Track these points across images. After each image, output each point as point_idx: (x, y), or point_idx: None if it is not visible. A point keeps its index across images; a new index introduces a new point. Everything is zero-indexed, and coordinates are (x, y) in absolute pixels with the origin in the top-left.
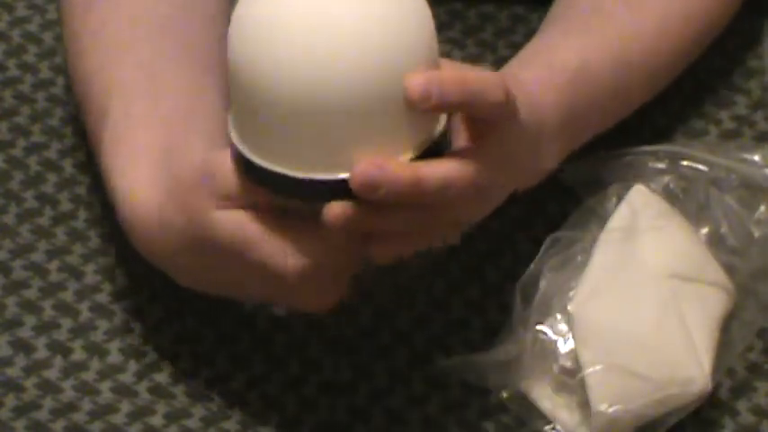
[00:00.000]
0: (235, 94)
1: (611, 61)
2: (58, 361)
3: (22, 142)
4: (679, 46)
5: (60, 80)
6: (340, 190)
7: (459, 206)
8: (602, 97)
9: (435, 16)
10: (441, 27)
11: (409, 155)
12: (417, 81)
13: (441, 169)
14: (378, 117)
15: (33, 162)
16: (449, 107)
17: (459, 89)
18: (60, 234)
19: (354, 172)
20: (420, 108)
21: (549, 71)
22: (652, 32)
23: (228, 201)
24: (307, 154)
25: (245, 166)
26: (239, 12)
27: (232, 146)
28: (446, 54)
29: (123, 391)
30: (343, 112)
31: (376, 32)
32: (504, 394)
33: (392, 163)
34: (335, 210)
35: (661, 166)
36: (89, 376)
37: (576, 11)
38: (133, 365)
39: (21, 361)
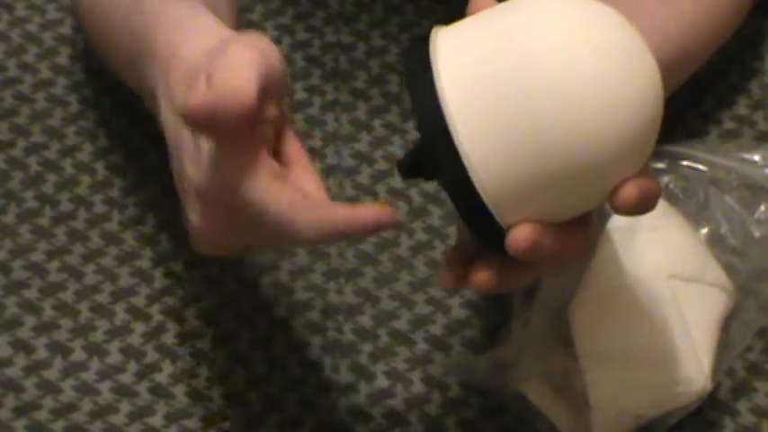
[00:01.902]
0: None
1: (657, 59)
2: (58, 361)
3: (22, 142)
4: (706, 44)
5: (60, 80)
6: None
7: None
8: None
9: (435, 16)
10: None
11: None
12: (629, 194)
13: (577, 241)
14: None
15: (33, 162)
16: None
17: (650, 202)
18: (60, 234)
19: (518, 232)
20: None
21: None
22: (686, 31)
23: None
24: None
25: (454, 170)
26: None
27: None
28: None
29: (123, 391)
30: (595, 169)
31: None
32: (504, 394)
33: (552, 228)
34: (482, 276)
35: (661, 166)
36: (89, 376)
37: (618, 6)
38: (133, 365)
39: (21, 361)
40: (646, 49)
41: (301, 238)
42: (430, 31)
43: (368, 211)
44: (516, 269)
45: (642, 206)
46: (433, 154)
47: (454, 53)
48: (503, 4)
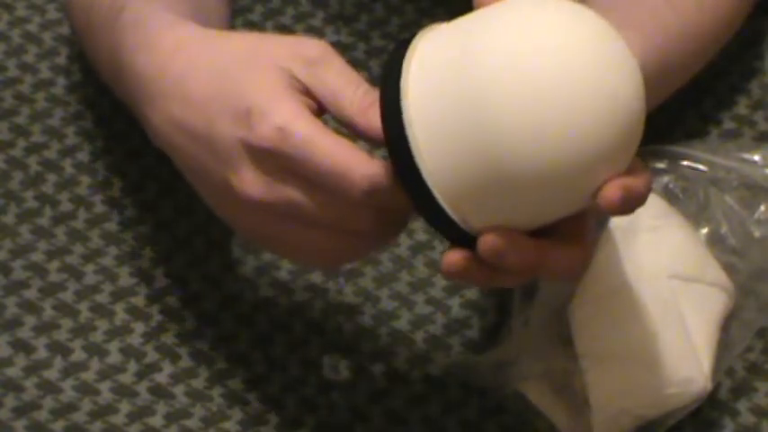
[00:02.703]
0: (458, 121)
1: (659, 55)
2: (58, 361)
3: (22, 142)
4: (709, 44)
5: (60, 80)
6: (463, 238)
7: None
8: (649, 91)
9: (435, 16)
10: None
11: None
12: (612, 196)
13: (565, 255)
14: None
15: (33, 162)
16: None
17: (638, 200)
18: (60, 234)
19: (484, 239)
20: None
21: None
22: (690, 24)
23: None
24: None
25: (411, 177)
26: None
27: (408, 149)
28: None
29: (123, 391)
30: (559, 177)
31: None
32: (504, 394)
33: (521, 239)
34: (452, 257)
35: (661, 166)
36: (89, 376)
37: (620, 5)
38: (133, 365)
39: (21, 361)
40: (618, 49)
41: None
42: (415, 35)
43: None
44: (494, 269)
45: (627, 206)
46: (395, 163)
47: (424, 59)
48: (485, 8)
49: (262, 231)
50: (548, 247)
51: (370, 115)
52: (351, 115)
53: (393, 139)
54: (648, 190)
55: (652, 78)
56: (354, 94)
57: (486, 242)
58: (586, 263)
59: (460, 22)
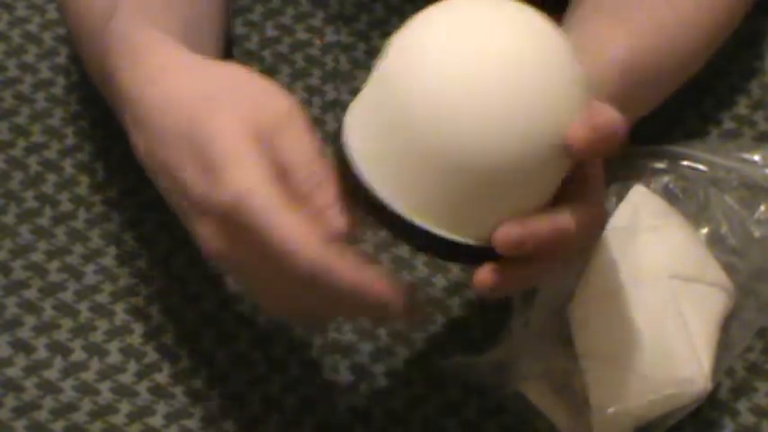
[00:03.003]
0: (388, 134)
1: (654, 54)
2: (58, 361)
3: (22, 142)
4: (708, 37)
5: (60, 80)
6: (480, 254)
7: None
8: (645, 90)
9: None
10: None
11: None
12: (580, 135)
13: (578, 217)
14: (530, 174)
15: (33, 162)
16: (600, 156)
17: (612, 138)
18: (60, 234)
19: (500, 234)
20: (579, 159)
21: (601, 65)
22: (687, 24)
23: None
24: (456, 213)
25: (367, 202)
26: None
27: (354, 176)
28: None
29: (123, 391)
30: (505, 171)
31: (539, 87)
32: (504, 394)
33: (530, 219)
34: (480, 277)
35: (661, 166)
36: (89, 376)
37: (615, 3)
38: (133, 365)
39: (21, 361)
40: (546, 53)
41: (294, 264)
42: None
43: (375, 282)
44: (525, 267)
45: (600, 145)
46: (390, 229)
47: (362, 101)
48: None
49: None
50: (558, 216)
51: (317, 196)
52: (303, 192)
53: (374, 208)
54: (617, 123)
55: (648, 77)
56: (303, 171)
57: (500, 238)
58: (601, 220)
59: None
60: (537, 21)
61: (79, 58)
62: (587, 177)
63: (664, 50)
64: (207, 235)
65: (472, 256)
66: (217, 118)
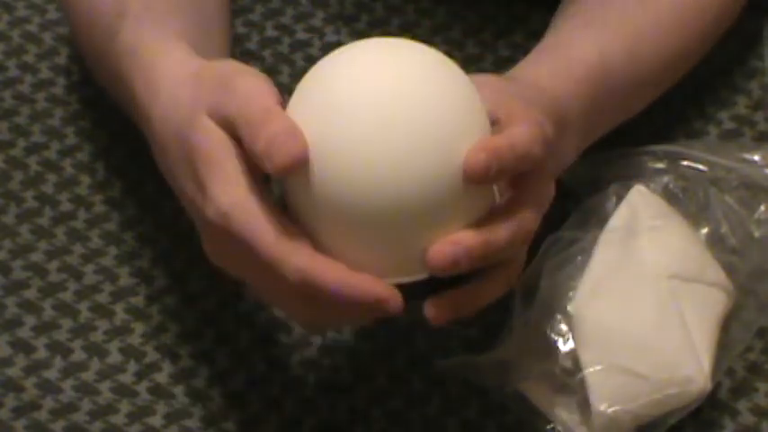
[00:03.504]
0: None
1: (627, 55)
2: (58, 361)
3: (22, 142)
4: (692, 38)
5: (60, 80)
6: (416, 287)
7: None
8: (619, 91)
9: (435, 16)
10: (441, 27)
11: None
12: (477, 160)
13: (504, 224)
14: (443, 201)
15: (33, 162)
16: (504, 176)
17: (512, 156)
18: (60, 234)
19: (432, 254)
20: (480, 184)
21: (567, 63)
22: (666, 25)
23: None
24: (382, 257)
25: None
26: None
27: None
28: (446, 54)
29: (123, 391)
30: (417, 207)
31: (435, 122)
32: (504, 394)
33: (460, 235)
34: (434, 312)
35: (661, 166)
36: (89, 376)
37: (590, 5)
38: (133, 365)
39: (21, 361)
40: (441, 88)
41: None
42: None
43: (366, 283)
44: (475, 293)
45: (497, 169)
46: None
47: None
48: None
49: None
50: (487, 227)
51: (266, 129)
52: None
53: None
54: (513, 143)
55: (623, 69)
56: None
57: (434, 259)
58: (532, 222)
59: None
60: (432, 57)
61: (87, 65)
62: (524, 183)
63: (638, 57)
64: (207, 246)
65: (414, 291)
66: (196, 126)
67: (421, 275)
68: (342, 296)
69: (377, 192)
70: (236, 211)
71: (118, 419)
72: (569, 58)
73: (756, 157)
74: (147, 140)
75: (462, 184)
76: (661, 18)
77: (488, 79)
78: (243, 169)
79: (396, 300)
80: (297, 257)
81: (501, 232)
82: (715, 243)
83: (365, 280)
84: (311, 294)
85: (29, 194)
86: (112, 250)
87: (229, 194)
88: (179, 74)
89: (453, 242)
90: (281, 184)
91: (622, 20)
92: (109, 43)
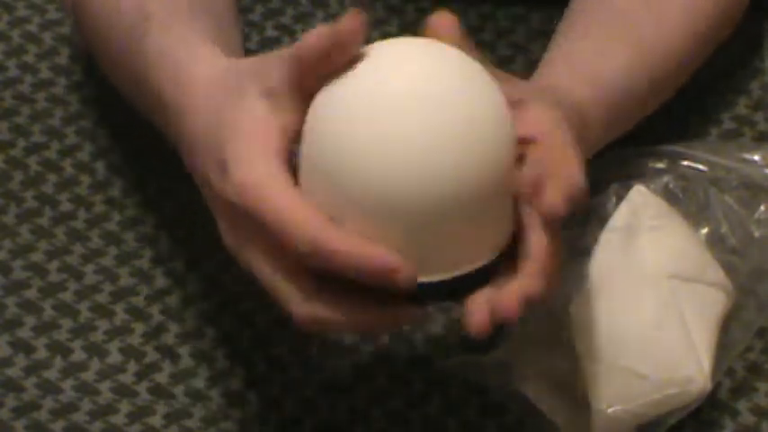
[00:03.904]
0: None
1: (648, 73)
2: (58, 361)
3: (21, 142)
4: (698, 41)
5: (60, 80)
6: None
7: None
8: (637, 108)
9: None
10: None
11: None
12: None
13: (540, 279)
14: (477, 203)
15: (33, 162)
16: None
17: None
18: (60, 234)
19: (473, 320)
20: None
21: (601, 91)
22: (679, 40)
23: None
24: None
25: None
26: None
27: None
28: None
29: (123, 391)
30: (454, 210)
31: (475, 130)
32: (504, 394)
33: (502, 299)
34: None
35: (661, 166)
36: (89, 376)
37: (596, 11)
38: (133, 365)
39: (21, 361)
40: (469, 89)
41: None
42: None
43: (377, 251)
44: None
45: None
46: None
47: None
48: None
49: None
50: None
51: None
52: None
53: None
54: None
55: (642, 93)
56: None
57: (475, 325)
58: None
59: None
60: (458, 59)
61: (85, 54)
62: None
63: (654, 67)
64: (223, 230)
65: (449, 290)
66: (241, 105)
67: (440, 276)
68: (352, 262)
69: (408, 189)
70: (256, 187)
71: (118, 419)
72: (600, 84)
73: (756, 157)
74: (173, 140)
75: (490, 188)
76: (670, 33)
77: (509, 77)
78: (273, 147)
79: (408, 272)
80: (310, 225)
81: (537, 288)
82: (715, 243)
83: (377, 248)
84: (321, 269)
85: (29, 194)
86: (112, 250)
87: (253, 169)
88: (214, 69)
89: (491, 305)
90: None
91: (638, 35)
92: (132, 44)
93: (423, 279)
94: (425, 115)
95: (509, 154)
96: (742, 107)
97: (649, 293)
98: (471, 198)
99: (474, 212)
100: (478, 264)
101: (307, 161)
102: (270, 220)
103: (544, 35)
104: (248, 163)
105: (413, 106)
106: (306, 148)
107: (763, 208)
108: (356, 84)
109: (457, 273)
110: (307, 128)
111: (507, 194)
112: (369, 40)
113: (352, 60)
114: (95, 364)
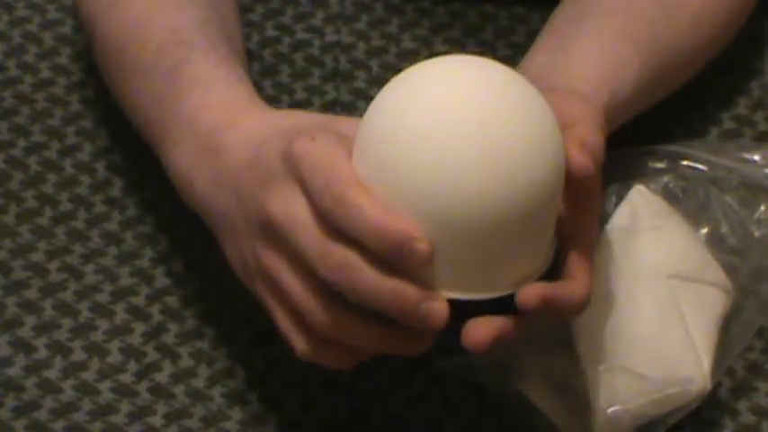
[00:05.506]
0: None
1: (658, 76)
2: (58, 361)
3: (22, 142)
4: (707, 49)
5: (60, 80)
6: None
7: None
8: (643, 108)
9: (435, 16)
10: (441, 27)
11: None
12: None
13: (578, 287)
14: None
15: (33, 162)
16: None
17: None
18: (60, 234)
19: (525, 296)
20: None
21: (616, 102)
22: (687, 41)
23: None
24: (469, 273)
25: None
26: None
27: None
28: (446, 54)
29: (123, 391)
30: (509, 228)
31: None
32: (504, 394)
33: (549, 288)
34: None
35: (661, 166)
36: (89, 376)
37: (622, 18)
38: (133, 365)
39: (21, 361)
40: (523, 100)
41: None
42: None
43: (399, 218)
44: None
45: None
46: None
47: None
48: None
49: None
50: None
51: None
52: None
53: None
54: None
55: (645, 90)
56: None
57: (524, 297)
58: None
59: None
60: (507, 74)
61: (84, 54)
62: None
63: (662, 65)
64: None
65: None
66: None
67: (480, 295)
68: (370, 223)
69: (467, 209)
70: (315, 145)
71: (118, 419)
72: (618, 96)
73: (756, 157)
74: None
75: (538, 207)
76: (681, 33)
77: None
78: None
79: (426, 247)
80: (347, 177)
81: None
82: (715, 243)
83: (399, 215)
84: (342, 218)
85: (29, 194)
86: (112, 250)
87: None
88: (256, 113)
89: (541, 295)
90: None
91: (652, 38)
92: (156, 63)
93: (467, 296)
94: (486, 138)
95: (562, 172)
96: (742, 107)
97: (649, 293)
98: (525, 218)
99: (527, 232)
100: (523, 285)
101: (361, 159)
102: (314, 161)
103: None
104: (311, 138)
105: (471, 129)
106: (362, 143)
107: (763, 208)
108: (412, 104)
109: (501, 293)
110: (363, 133)
111: (557, 212)
112: (368, 41)
113: (406, 77)
114: (95, 364)
